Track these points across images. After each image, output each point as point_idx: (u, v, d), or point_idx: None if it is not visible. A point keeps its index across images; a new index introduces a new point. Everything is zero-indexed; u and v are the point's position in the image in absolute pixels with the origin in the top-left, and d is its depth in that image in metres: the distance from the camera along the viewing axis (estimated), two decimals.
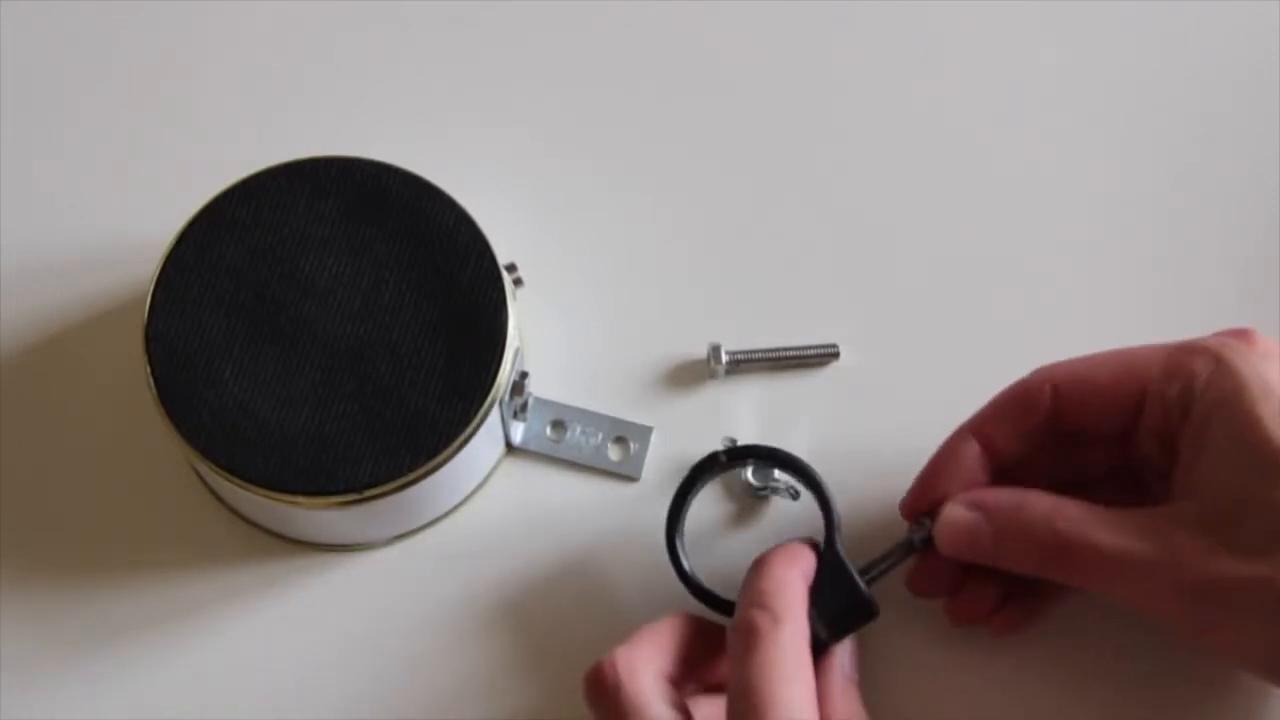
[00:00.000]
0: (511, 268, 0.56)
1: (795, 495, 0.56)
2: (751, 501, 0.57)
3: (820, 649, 0.50)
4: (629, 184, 0.61)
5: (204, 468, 0.53)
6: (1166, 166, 0.61)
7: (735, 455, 0.54)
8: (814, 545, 0.52)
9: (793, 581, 0.49)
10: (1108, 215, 0.61)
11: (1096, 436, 0.51)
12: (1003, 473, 0.52)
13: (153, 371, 0.53)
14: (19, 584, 0.56)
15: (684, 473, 0.54)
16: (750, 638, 0.47)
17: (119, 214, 0.60)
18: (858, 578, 0.51)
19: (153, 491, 0.57)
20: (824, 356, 0.59)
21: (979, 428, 0.52)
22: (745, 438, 0.57)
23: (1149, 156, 0.62)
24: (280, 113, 0.62)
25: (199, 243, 0.55)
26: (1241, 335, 0.49)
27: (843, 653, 0.51)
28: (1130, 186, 0.61)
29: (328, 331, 0.54)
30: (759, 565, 0.50)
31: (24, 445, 0.58)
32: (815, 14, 0.64)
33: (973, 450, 0.52)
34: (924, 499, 0.52)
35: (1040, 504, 0.49)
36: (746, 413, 0.58)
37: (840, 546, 0.52)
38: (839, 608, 0.51)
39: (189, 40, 0.63)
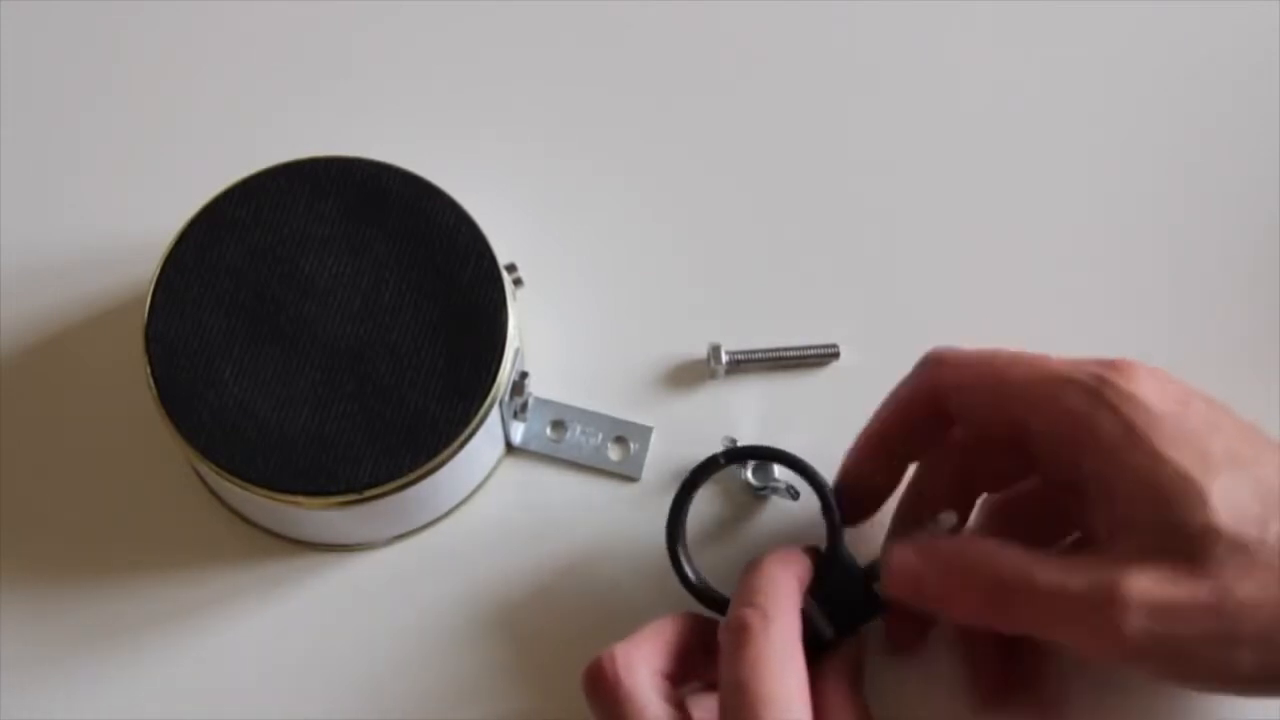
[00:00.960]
0: (511, 268, 0.56)
1: (795, 495, 0.56)
2: (751, 501, 0.57)
3: (824, 647, 0.50)
4: (629, 184, 0.61)
5: (204, 468, 0.53)
6: (1169, 166, 0.61)
7: (734, 456, 0.54)
8: (812, 550, 0.52)
9: (785, 581, 0.50)
10: (1109, 215, 0.61)
11: (995, 441, 0.51)
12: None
13: (153, 371, 0.53)
14: (19, 584, 0.56)
15: (684, 473, 0.54)
16: (741, 635, 0.48)
17: (119, 214, 0.60)
18: (863, 574, 0.51)
19: (153, 491, 0.57)
20: (824, 356, 0.59)
21: (896, 412, 0.52)
22: (745, 438, 0.57)
23: (1151, 156, 0.62)
24: (280, 113, 0.62)
25: (199, 243, 0.55)
26: (1113, 367, 0.48)
27: (849, 649, 0.51)
28: (1131, 187, 0.61)
29: (328, 331, 0.54)
30: (752, 566, 0.51)
31: (24, 445, 0.58)
32: (816, 14, 0.64)
33: (894, 425, 0.52)
34: (851, 466, 0.53)
35: (982, 548, 0.48)
36: (746, 413, 0.58)
37: (844, 545, 0.52)
38: (844, 604, 0.51)
39: (189, 40, 0.63)
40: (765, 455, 0.55)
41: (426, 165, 0.56)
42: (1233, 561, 0.45)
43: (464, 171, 0.57)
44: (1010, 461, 0.51)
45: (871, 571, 0.51)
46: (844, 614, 0.51)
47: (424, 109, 0.62)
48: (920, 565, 0.49)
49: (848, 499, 0.53)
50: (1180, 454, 0.45)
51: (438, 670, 0.55)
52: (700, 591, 0.53)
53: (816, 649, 0.50)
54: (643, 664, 0.49)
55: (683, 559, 0.53)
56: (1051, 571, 0.46)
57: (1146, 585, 0.45)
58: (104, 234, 0.60)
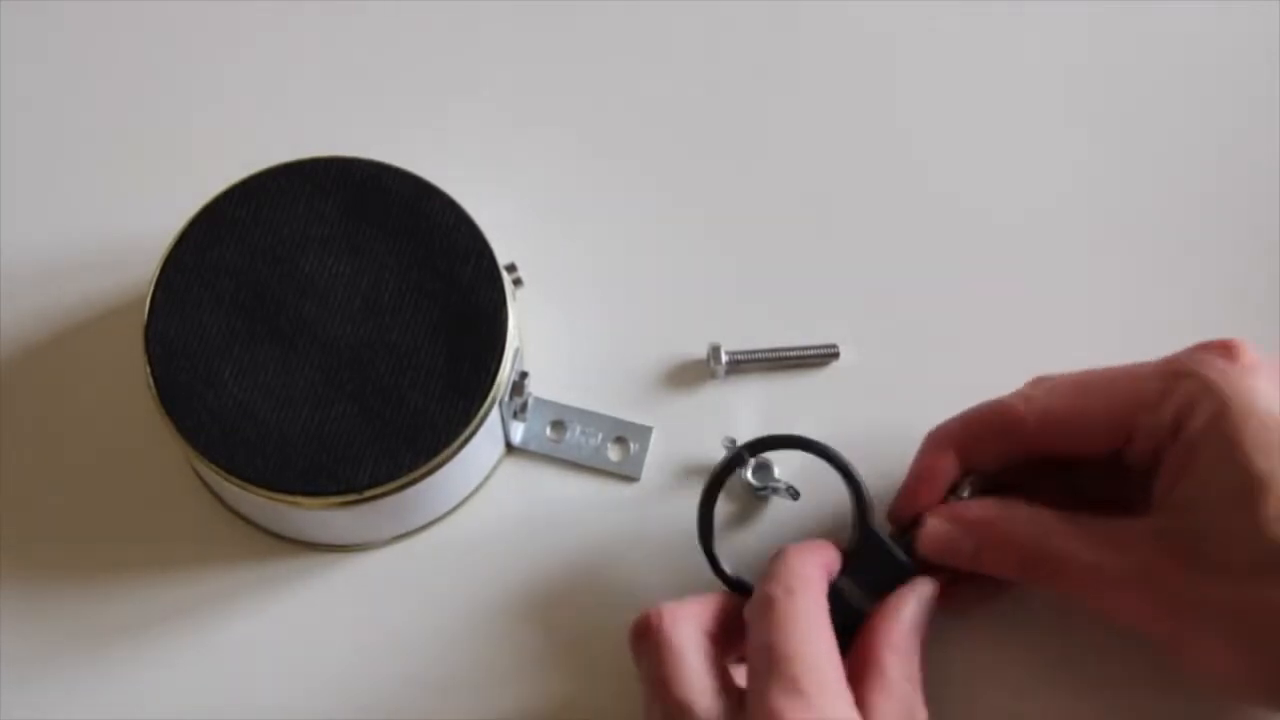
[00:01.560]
0: (511, 268, 0.56)
1: (795, 495, 0.56)
2: (751, 501, 0.57)
3: (861, 620, 0.51)
4: (629, 184, 0.61)
5: (204, 468, 0.53)
6: (1167, 167, 0.61)
7: (757, 448, 0.54)
8: (837, 544, 0.52)
9: (807, 563, 0.50)
10: (1109, 215, 0.61)
11: (1083, 459, 0.52)
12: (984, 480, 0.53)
13: (153, 371, 0.53)
14: (19, 584, 0.56)
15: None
16: (765, 606, 0.48)
17: (119, 214, 0.60)
18: (894, 546, 0.52)
19: (153, 491, 0.57)
20: (824, 356, 0.59)
21: (961, 444, 0.52)
22: (745, 438, 0.57)
23: (1150, 157, 0.62)
24: (280, 113, 0.62)
25: (199, 243, 0.55)
26: (1226, 348, 0.49)
27: (910, 594, 0.51)
28: (1132, 188, 0.61)
29: (328, 331, 0.54)
30: (776, 554, 0.51)
31: (24, 445, 0.58)
32: (815, 15, 0.63)
33: (951, 467, 0.52)
34: (908, 511, 0.53)
35: (1018, 516, 0.50)
36: (746, 413, 0.58)
37: (874, 522, 0.52)
38: (880, 577, 0.52)
39: (189, 40, 0.63)
40: (788, 444, 0.54)
41: (426, 165, 0.56)
42: (1275, 560, 0.45)
43: (464, 171, 0.57)
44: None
45: (904, 543, 0.52)
46: (882, 588, 0.52)
47: (425, 109, 0.62)
48: (955, 535, 0.50)
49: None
50: (1258, 455, 0.46)
51: (437, 670, 0.55)
52: (736, 584, 0.53)
53: (853, 625, 0.51)
54: (688, 620, 0.49)
55: (717, 553, 0.53)
56: (1089, 544, 0.48)
57: (1186, 572, 0.46)
58: (104, 234, 0.60)
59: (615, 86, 0.63)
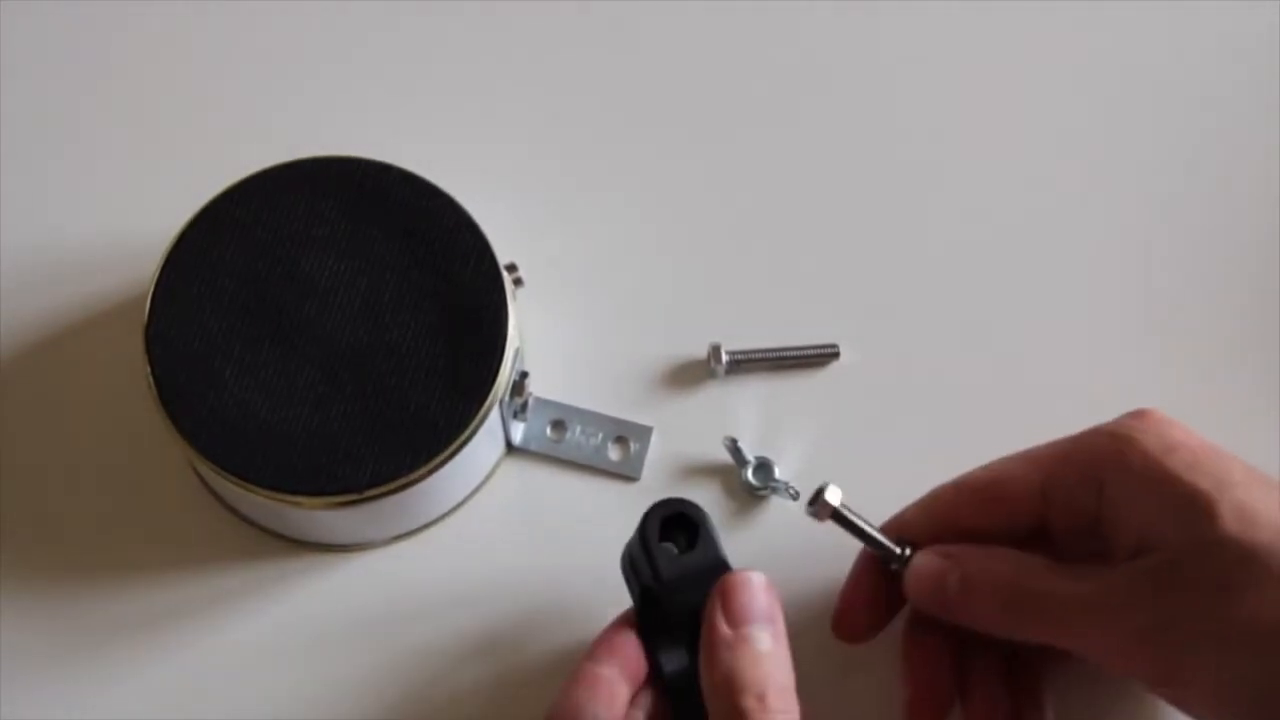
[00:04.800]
0: (511, 268, 0.56)
1: (795, 495, 0.56)
2: (751, 501, 0.57)
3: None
4: (629, 184, 0.61)
5: (204, 468, 0.53)
6: (1171, 170, 0.61)
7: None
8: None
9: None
10: (1109, 216, 0.61)
11: (1009, 531, 0.52)
12: None
13: (153, 371, 0.53)
14: (19, 584, 0.56)
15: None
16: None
17: (119, 214, 0.60)
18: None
19: (153, 491, 0.57)
20: (824, 356, 0.59)
21: (899, 529, 0.52)
22: (745, 438, 0.57)
23: (1153, 160, 0.62)
24: (280, 113, 0.62)
25: (199, 243, 0.55)
26: (1138, 415, 0.49)
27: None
28: (1133, 188, 0.61)
29: (328, 331, 0.54)
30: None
31: (24, 445, 0.58)
32: (814, 15, 0.64)
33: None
34: (847, 618, 0.53)
35: (1005, 555, 0.50)
36: (746, 413, 0.58)
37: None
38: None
39: (189, 40, 0.63)
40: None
41: (426, 165, 0.56)
42: (1243, 571, 0.45)
43: (464, 172, 0.57)
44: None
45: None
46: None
47: (424, 109, 0.62)
48: (945, 570, 0.50)
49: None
50: (1196, 477, 0.46)
51: (437, 670, 0.55)
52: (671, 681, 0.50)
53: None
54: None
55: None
56: (1072, 582, 0.48)
57: (1162, 596, 0.46)
58: (104, 234, 0.60)
59: (616, 87, 0.63)
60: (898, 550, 0.51)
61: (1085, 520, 0.49)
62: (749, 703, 0.46)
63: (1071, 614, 0.48)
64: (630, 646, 0.49)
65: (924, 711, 0.52)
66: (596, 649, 0.49)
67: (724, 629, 0.47)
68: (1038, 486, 0.50)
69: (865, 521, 0.51)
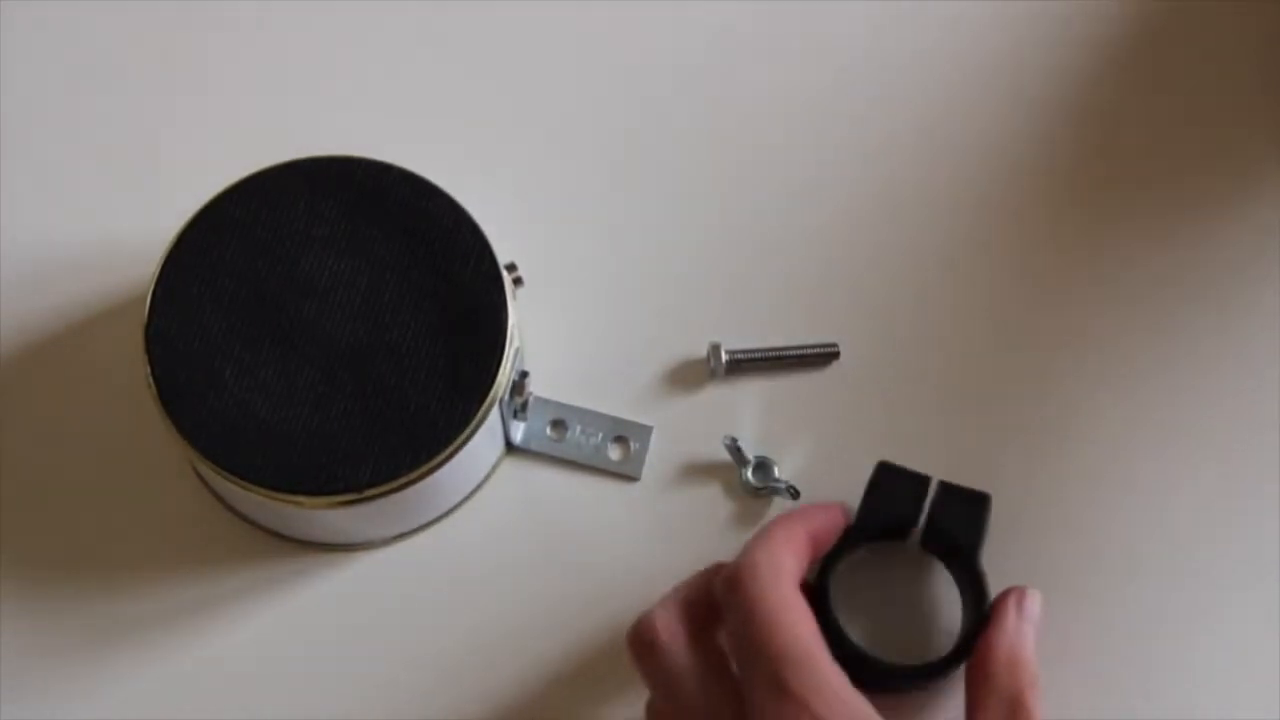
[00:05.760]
0: (511, 267, 0.56)
1: (795, 494, 0.56)
2: (752, 501, 0.57)
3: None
4: (629, 184, 0.61)
5: (204, 468, 0.53)
6: (1161, 165, 0.62)
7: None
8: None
9: (777, 553, 0.50)
10: (1108, 216, 0.61)
11: None
12: None
13: (153, 371, 0.53)
14: (19, 584, 0.56)
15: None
16: (732, 582, 0.49)
17: (120, 214, 0.60)
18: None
19: (153, 491, 0.57)
20: (824, 356, 0.59)
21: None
22: (745, 438, 0.57)
23: (1148, 154, 0.62)
24: (280, 113, 0.62)
25: (199, 243, 0.55)
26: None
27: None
28: (1134, 190, 0.61)
29: (328, 331, 0.54)
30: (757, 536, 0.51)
31: (24, 445, 0.58)
32: (813, 15, 0.63)
33: None
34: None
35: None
36: (746, 413, 0.58)
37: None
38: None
39: (190, 40, 0.63)
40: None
41: (426, 165, 0.56)
42: None
43: (464, 171, 0.57)
44: None
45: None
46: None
47: (424, 109, 0.62)
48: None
49: None
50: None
51: (437, 670, 0.55)
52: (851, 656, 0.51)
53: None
54: (681, 627, 0.50)
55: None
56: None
57: None
58: (104, 234, 0.60)
59: (615, 87, 0.63)
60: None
61: None
62: (1033, 691, 0.50)
63: None
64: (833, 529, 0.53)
65: None
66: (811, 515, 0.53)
67: (1017, 617, 0.51)
68: None
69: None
